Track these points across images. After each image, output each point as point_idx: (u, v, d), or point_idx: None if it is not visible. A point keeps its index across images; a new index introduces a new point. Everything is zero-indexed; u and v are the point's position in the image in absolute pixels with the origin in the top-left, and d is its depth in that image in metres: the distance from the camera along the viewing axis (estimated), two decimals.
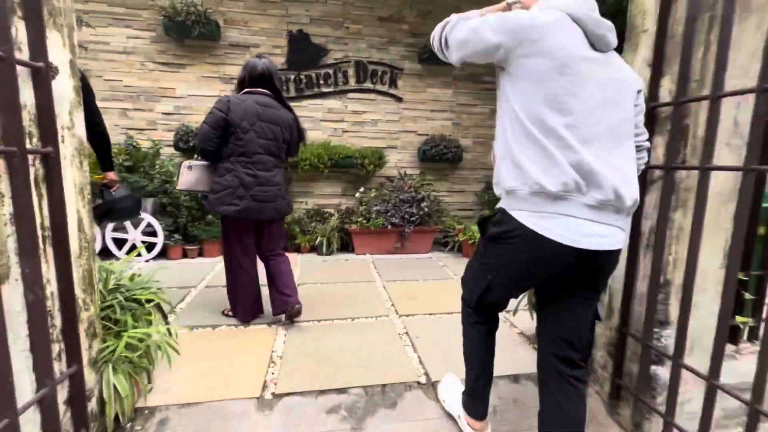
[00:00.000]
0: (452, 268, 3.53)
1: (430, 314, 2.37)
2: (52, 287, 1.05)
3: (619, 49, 1.14)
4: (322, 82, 4.17)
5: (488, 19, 0.99)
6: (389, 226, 3.91)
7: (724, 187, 1.21)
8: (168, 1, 3.60)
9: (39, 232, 0.99)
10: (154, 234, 3.48)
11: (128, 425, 1.35)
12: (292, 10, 4.03)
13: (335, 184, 4.33)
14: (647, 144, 1.13)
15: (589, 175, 0.91)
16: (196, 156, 2.07)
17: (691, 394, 1.28)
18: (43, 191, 1.02)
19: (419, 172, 4.47)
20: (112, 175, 2.16)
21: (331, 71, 4.16)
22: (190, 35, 3.66)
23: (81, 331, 1.15)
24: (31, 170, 0.96)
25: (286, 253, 2.26)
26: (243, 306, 2.15)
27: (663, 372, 1.30)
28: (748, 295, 1.53)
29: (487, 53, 1.00)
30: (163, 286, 1.71)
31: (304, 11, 4.05)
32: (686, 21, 1.18)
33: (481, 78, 4.51)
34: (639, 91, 1.05)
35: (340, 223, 4.05)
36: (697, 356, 1.27)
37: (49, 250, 1.04)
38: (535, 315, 1.62)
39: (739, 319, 1.52)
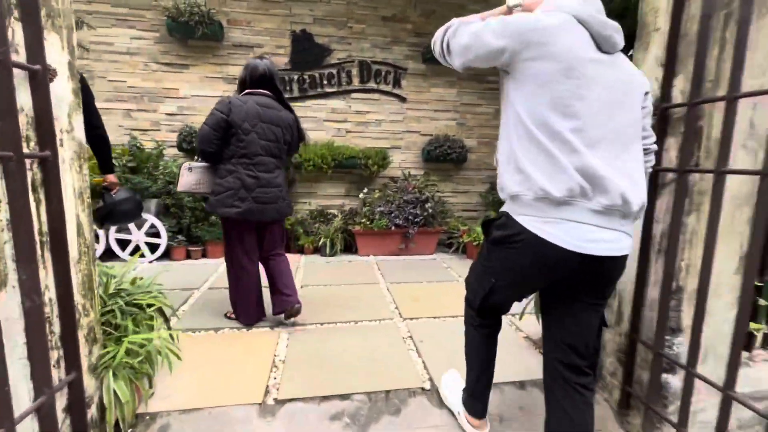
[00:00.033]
0: (456, 269, 3.50)
1: (435, 317, 2.34)
2: (50, 293, 1.03)
3: (627, 50, 1.11)
4: (325, 82, 4.14)
5: (490, 23, 0.97)
6: (393, 227, 3.88)
7: (739, 190, 1.17)
8: (171, 2, 3.59)
9: (37, 238, 0.97)
10: (157, 235, 3.48)
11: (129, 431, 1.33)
12: (295, 9, 4.01)
13: (339, 184, 4.30)
14: (654, 147, 1.11)
15: (595, 179, 0.89)
16: (196, 157, 2.06)
17: (704, 403, 1.24)
18: (41, 196, 1.00)
19: (423, 172, 4.44)
20: (112, 178, 2.15)
21: (334, 71, 4.14)
22: (193, 36, 3.65)
23: (81, 337, 1.13)
24: (29, 174, 0.95)
25: (288, 254, 2.24)
26: (245, 307, 2.14)
27: (674, 380, 1.27)
28: (762, 301, 1.50)
29: (490, 57, 0.98)
30: (166, 288, 1.69)
31: (308, 11, 4.03)
32: (701, 19, 1.14)
33: (486, 77, 4.46)
34: (646, 93, 1.03)
35: (343, 224, 4.02)
36: (711, 364, 1.23)
37: (48, 256, 1.02)
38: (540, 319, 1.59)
39: (753, 325, 1.48)
